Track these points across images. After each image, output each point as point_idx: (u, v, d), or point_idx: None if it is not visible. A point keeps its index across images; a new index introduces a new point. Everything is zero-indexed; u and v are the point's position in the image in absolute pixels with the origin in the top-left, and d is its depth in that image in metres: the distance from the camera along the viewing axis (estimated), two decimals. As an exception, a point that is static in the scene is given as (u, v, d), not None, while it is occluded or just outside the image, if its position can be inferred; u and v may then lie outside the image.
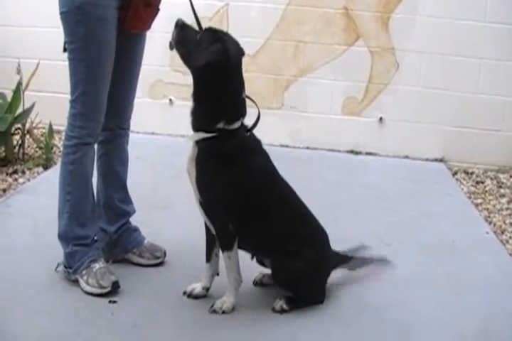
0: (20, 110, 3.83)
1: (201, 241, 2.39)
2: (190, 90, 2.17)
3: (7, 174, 3.67)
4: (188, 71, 2.17)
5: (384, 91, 4.40)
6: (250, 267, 2.42)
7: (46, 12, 3.54)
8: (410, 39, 4.29)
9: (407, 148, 4.45)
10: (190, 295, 2.37)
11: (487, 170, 4.35)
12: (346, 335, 2.21)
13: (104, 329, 2.14)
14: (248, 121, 2.23)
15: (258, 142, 2.27)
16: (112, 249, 2.59)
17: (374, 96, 4.42)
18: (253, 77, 4.32)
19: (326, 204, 3.28)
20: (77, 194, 2.37)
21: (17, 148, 3.90)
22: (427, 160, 4.43)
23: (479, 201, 3.76)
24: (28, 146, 4.09)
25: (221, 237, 2.27)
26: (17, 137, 3.91)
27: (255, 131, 2.26)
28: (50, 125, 3.90)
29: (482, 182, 4.14)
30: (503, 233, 3.29)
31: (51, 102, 4.08)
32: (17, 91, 3.80)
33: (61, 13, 2.24)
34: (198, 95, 2.16)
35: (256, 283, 2.50)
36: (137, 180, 2.88)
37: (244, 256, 2.35)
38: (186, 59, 2.16)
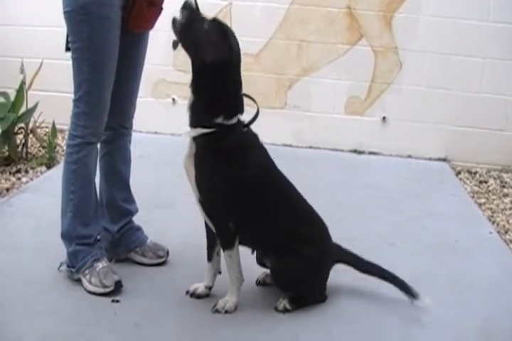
0: (23, 109, 3.83)
1: (204, 240, 2.39)
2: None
3: (10, 173, 3.67)
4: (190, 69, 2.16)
5: (387, 91, 4.39)
6: (252, 266, 2.42)
7: (49, 11, 3.53)
8: (413, 38, 4.28)
9: (411, 147, 4.44)
10: (193, 295, 2.37)
11: (490, 169, 4.34)
12: (348, 334, 2.21)
13: (106, 329, 2.15)
14: (247, 119, 2.22)
15: (255, 137, 2.25)
16: (114, 249, 2.59)
17: (377, 95, 4.41)
18: (256, 76, 4.33)
19: (329, 203, 3.25)
20: (80, 193, 2.37)
21: (20, 147, 3.90)
22: (430, 159, 4.42)
23: (483, 201, 3.75)
24: (32, 145, 4.09)
25: (221, 236, 2.27)
26: (20, 136, 3.91)
27: (257, 131, 2.25)
28: (54, 124, 3.90)
29: (485, 182, 4.13)
30: (506, 233, 3.29)
31: (54, 101, 4.07)
32: (20, 91, 3.80)
33: (65, 13, 2.24)
34: (198, 88, 2.13)
35: (259, 283, 2.50)
36: (140, 180, 2.87)
37: (245, 256, 2.34)
38: (189, 47, 2.12)
